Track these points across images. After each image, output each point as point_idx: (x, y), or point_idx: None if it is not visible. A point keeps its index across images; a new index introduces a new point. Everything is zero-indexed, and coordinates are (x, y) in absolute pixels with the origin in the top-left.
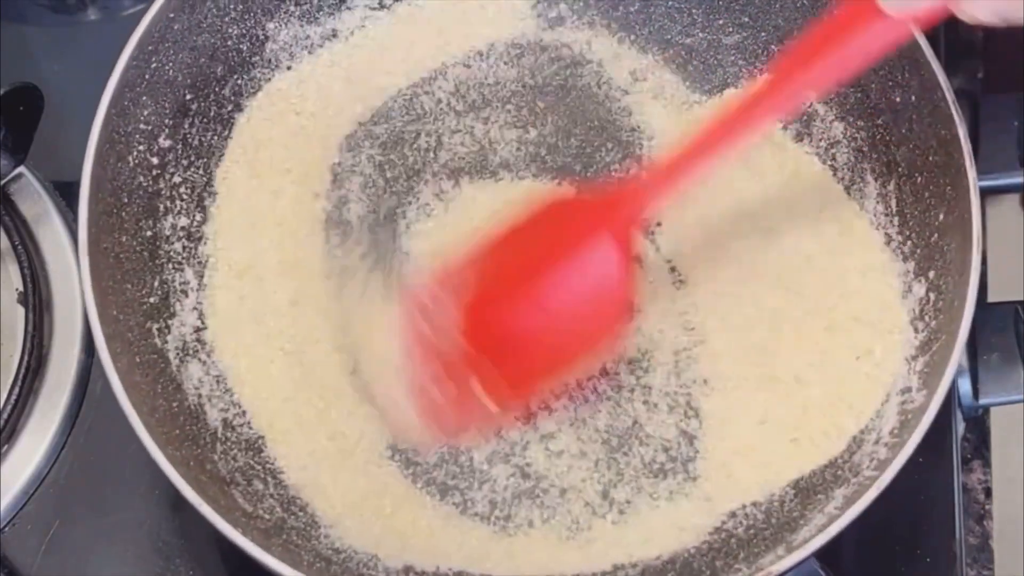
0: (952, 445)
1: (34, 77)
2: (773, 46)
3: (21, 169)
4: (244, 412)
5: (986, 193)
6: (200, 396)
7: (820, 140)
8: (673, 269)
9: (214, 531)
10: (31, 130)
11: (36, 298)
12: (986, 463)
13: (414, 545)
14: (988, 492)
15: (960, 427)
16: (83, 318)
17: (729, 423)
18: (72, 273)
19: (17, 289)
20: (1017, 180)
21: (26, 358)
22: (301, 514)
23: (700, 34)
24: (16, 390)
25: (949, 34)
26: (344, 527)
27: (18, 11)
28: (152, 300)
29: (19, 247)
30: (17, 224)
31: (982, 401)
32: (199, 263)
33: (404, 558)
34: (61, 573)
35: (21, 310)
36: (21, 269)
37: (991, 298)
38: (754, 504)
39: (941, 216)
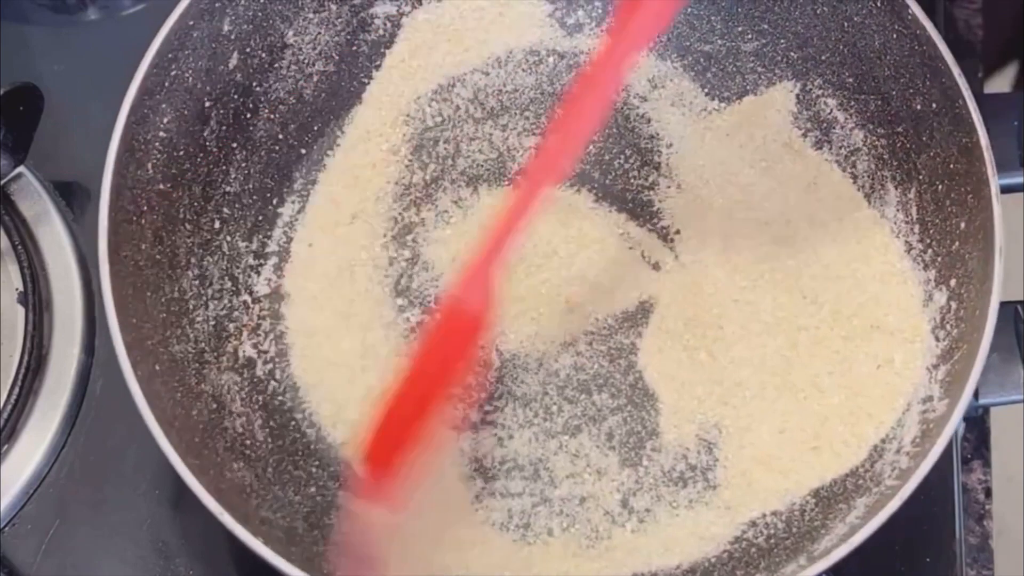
0: (952, 445)
1: (34, 77)
2: (793, 53)
3: (21, 169)
4: (263, 421)
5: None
6: (219, 404)
7: (840, 148)
8: (691, 276)
9: (214, 531)
10: (31, 130)
11: (36, 298)
12: (986, 463)
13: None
14: (988, 492)
15: (960, 427)
16: (83, 318)
17: (748, 431)
18: (72, 273)
19: (17, 289)
20: (1018, 180)
21: (26, 358)
22: (324, 521)
23: (719, 41)
24: (16, 390)
25: (949, 34)
26: None
27: (18, 11)
28: (172, 309)
29: (19, 247)
30: (17, 224)
31: (982, 401)
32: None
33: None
34: (61, 573)
35: (21, 310)
36: (21, 269)
37: None
38: (774, 513)
39: (962, 224)
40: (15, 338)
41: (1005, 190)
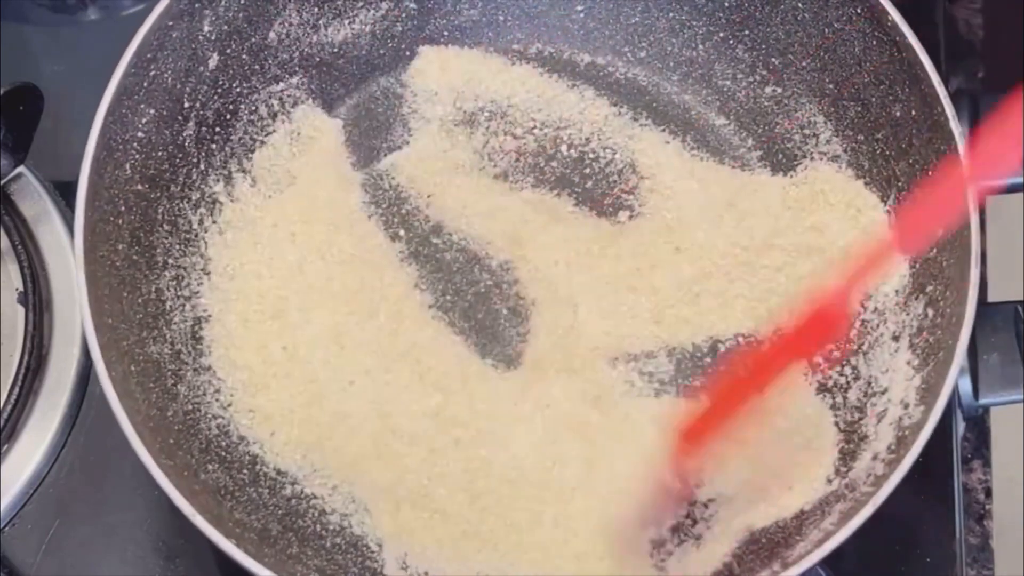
0: (952, 445)
1: (34, 77)
2: (774, 59)
3: (21, 169)
4: (239, 422)
5: (986, 193)
6: (194, 406)
7: (820, 155)
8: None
9: None
10: (31, 130)
11: (36, 298)
12: (986, 463)
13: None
14: (988, 492)
15: (960, 427)
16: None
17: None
18: (72, 273)
19: (17, 289)
20: (1018, 180)
21: (26, 358)
22: (299, 523)
23: (700, 47)
24: (16, 390)
25: (949, 33)
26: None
27: (18, 11)
28: (148, 309)
29: (19, 247)
30: (17, 224)
31: (982, 401)
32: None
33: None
34: (61, 573)
35: (21, 310)
36: (21, 269)
37: (991, 297)
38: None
39: (940, 231)
40: (15, 338)
41: (1007, 189)
